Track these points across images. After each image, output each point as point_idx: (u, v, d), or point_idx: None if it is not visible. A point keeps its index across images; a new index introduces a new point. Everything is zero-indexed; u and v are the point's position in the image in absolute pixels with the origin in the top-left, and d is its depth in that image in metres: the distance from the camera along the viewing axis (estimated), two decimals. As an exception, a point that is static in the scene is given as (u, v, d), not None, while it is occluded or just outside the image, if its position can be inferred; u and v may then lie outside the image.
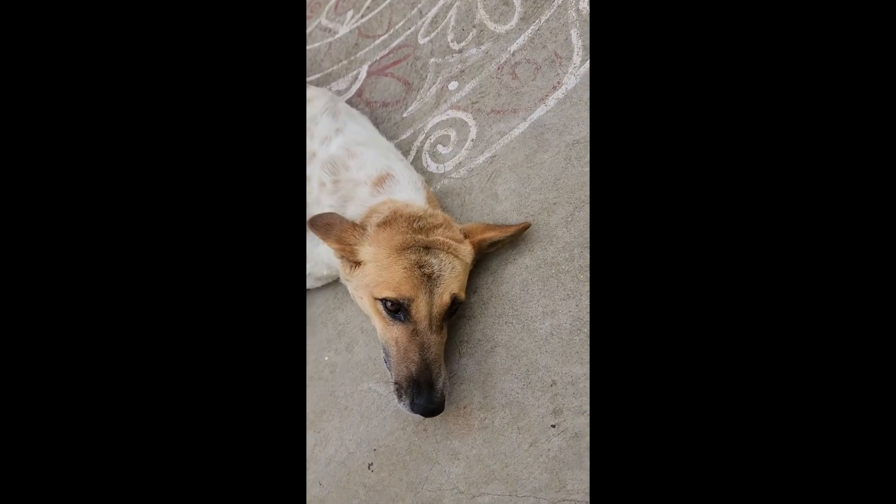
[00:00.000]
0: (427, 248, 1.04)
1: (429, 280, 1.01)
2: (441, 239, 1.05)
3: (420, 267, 1.01)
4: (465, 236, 1.12)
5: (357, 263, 1.09)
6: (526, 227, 1.16)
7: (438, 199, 1.32)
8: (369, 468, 1.17)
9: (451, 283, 1.03)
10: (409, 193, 1.16)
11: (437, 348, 1.01)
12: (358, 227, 1.09)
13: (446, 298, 1.02)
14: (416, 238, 1.04)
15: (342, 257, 1.11)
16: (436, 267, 1.02)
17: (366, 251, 1.06)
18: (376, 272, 1.03)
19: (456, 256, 1.06)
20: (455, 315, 1.11)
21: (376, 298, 1.03)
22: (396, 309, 1.01)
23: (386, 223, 1.06)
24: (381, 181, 1.17)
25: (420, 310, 1.00)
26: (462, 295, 1.07)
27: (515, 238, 1.19)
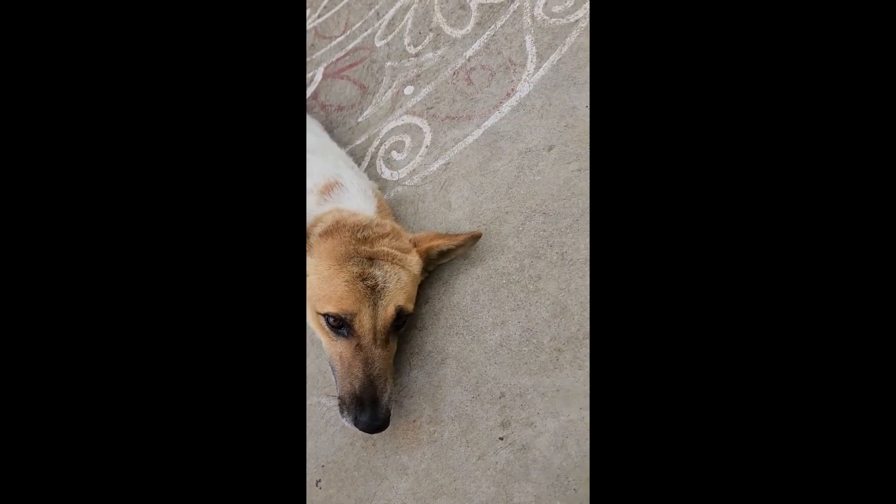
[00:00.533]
0: (371, 259, 1.01)
1: (372, 293, 0.98)
2: (385, 249, 1.02)
3: (363, 279, 0.98)
4: (414, 245, 1.09)
5: (301, 275, 1.05)
6: (476, 236, 1.14)
7: (392, 207, 1.29)
8: (317, 485, 1.14)
9: (396, 294, 1.00)
10: (357, 202, 1.13)
11: (382, 363, 0.98)
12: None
13: (391, 311, 0.99)
14: (358, 249, 1.00)
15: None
16: (380, 279, 0.99)
17: (308, 263, 1.02)
18: (318, 285, 0.99)
19: (402, 267, 1.03)
20: (403, 327, 1.08)
21: (318, 313, 0.99)
22: (339, 325, 0.98)
23: (328, 233, 1.03)
24: (328, 189, 1.13)
25: (363, 324, 0.97)
26: (409, 306, 1.05)
27: (467, 248, 1.17)
